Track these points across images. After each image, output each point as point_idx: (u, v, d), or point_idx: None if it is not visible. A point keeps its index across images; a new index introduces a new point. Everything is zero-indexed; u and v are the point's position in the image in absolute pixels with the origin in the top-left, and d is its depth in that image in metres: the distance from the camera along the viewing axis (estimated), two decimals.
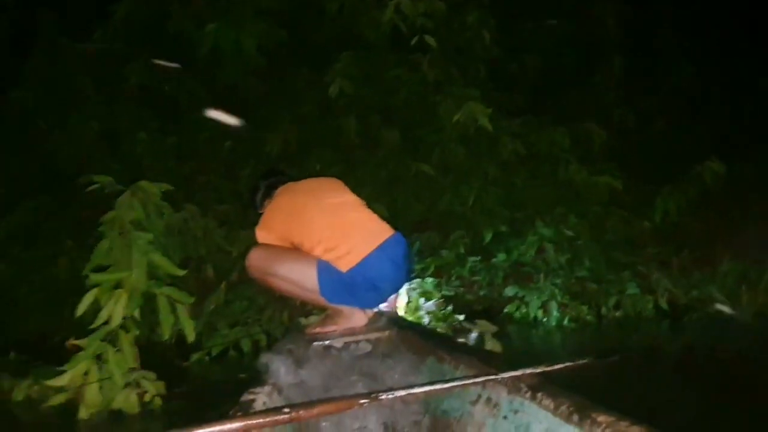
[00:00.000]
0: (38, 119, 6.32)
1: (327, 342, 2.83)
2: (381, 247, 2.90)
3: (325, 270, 2.89)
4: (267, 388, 2.13)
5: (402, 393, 1.78)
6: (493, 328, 4.29)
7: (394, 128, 6.12)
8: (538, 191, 5.79)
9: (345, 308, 2.98)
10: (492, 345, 4.17)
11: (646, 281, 4.97)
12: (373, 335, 2.89)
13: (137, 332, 3.31)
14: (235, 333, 4.48)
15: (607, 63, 6.97)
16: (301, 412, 1.60)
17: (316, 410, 1.65)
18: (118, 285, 3.19)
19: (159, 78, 6.35)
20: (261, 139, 6.11)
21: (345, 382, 2.41)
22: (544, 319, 4.68)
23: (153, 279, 3.35)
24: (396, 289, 3.27)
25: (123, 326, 3.24)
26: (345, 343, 2.84)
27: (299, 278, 2.95)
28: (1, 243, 5.84)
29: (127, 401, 3.19)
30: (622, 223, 5.61)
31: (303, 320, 3.85)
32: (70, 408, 3.28)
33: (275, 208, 3.11)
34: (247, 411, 1.82)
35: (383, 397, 1.75)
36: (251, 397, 2.00)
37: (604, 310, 4.76)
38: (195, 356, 4.30)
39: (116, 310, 3.12)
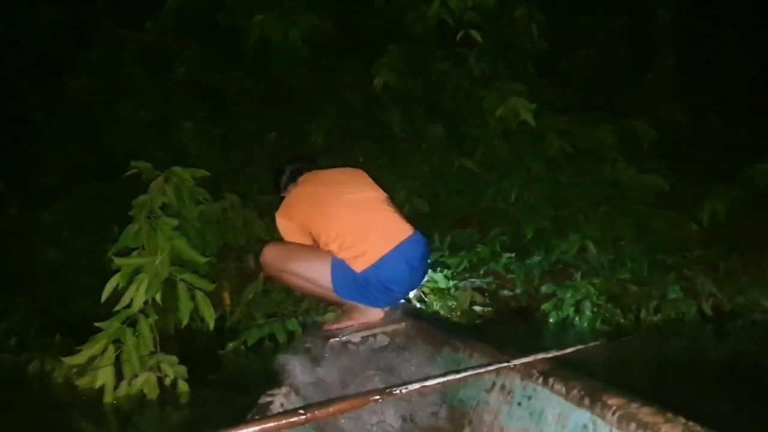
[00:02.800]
0: (92, 108, 6.48)
1: (344, 338, 2.85)
2: (397, 249, 2.89)
3: (340, 268, 2.90)
4: (284, 389, 2.16)
5: (415, 386, 1.79)
6: None
7: (438, 122, 6.09)
8: (582, 189, 5.67)
9: (361, 304, 2.99)
10: None
11: (691, 285, 4.84)
12: (390, 328, 2.91)
13: (156, 317, 3.37)
14: (271, 323, 4.52)
15: (661, 58, 6.78)
16: (316, 412, 1.63)
17: (331, 409, 1.68)
18: (140, 269, 3.26)
19: (208, 69, 6.44)
20: (306, 130, 6.15)
21: (362, 377, 2.43)
22: (576, 319, 4.60)
23: (180, 265, 3.41)
24: (409, 291, 3.27)
25: (143, 311, 3.31)
26: (362, 337, 2.86)
27: (313, 275, 2.98)
28: (53, 228, 6.01)
29: (146, 384, 3.26)
30: (669, 224, 5.46)
31: (319, 318, 3.88)
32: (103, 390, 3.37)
33: (298, 195, 3.13)
34: (264, 413, 1.85)
35: (396, 391, 1.76)
36: (268, 399, 2.03)
37: (643, 313, 4.65)
38: (231, 345, 4.36)
39: (138, 294, 3.18)
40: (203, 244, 4.02)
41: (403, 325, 2.94)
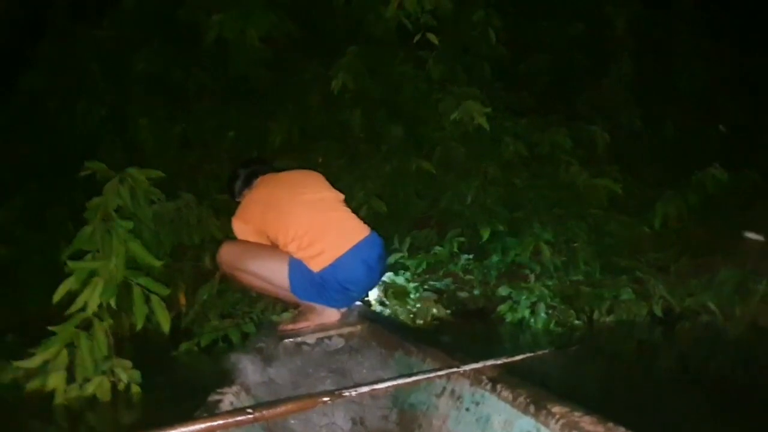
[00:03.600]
0: (47, 104, 6.37)
1: (299, 338, 2.85)
2: (355, 249, 2.91)
3: (297, 268, 2.90)
4: (234, 388, 2.14)
5: (365, 389, 1.80)
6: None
7: (398, 124, 6.11)
8: (537, 192, 5.75)
9: (317, 305, 2.99)
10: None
11: (643, 287, 4.94)
12: (345, 330, 2.92)
13: (111, 321, 3.33)
14: (226, 324, 4.50)
15: (616, 65, 6.90)
16: (264, 411, 1.62)
17: (279, 409, 1.67)
18: (95, 272, 3.22)
19: (167, 66, 6.37)
20: (265, 129, 6.12)
21: (314, 378, 2.44)
22: (532, 321, 4.67)
23: (134, 268, 3.37)
24: (366, 292, 3.29)
25: (97, 314, 3.27)
26: (318, 338, 2.85)
27: (270, 275, 2.97)
28: (5, 225, 5.89)
29: (99, 388, 3.22)
30: (622, 227, 5.56)
31: (275, 317, 3.87)
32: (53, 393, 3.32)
33: (253, 199, 3.12)
34: (212, 411, 1.84)
35: (346, 393, 1.76)
36: (218, 397, 2.01)
37: (596, 314, 4.74)
38: (184, 346, 4.31)
39: (92, 297, 3.14)
40: (158, 245, 3.97)
41: (358, 327, 2.95)
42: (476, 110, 5.30)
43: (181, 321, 4.88)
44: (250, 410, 1.59)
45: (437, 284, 5.08)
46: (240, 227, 3.08)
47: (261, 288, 3.10)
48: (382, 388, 1.84)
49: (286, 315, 3.92)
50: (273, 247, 3.00)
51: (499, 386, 1.75)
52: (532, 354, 1.96)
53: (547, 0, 7.09)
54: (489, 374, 1.83)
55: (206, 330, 4.43)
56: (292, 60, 6.45)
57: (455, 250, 5.34)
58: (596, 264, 5.11)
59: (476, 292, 5.14)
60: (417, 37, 5.36)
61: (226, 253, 3.07)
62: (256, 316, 4.62)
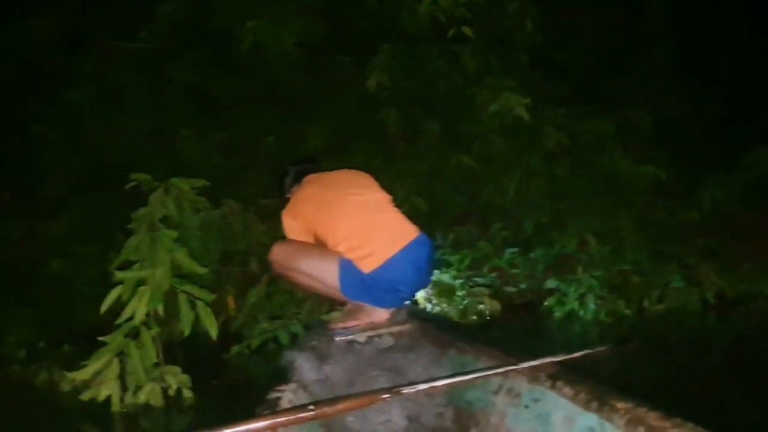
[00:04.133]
0: (91, 118, 6.49)
1: (350, 337, 2.85)
2: (404, 250, 2.89)
3: (347, 269, 2.90)
4: (292, 386, 2.18)
5: (423, 386, 1.81)
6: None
7: (435, 120, 6.09)
8: (581, 181, 5.68)
9: (367, 304, 3.00)
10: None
11: (693, 273, 4.85)
12: (395, 329, 2.91)
13: (159, 329, 3.40)
14: (274, 326, 4.53)
15: (656, 48, 6.78)
16: (325, 408, 1.64)
17: (340, 406, 1.69)
18: (142, 282, 3.28)
19: (204, 75, 6.44)
20: (303, 132, 6.15)
21: (368, 376, 2.43)
22: (581, 312, 4.61)
23: (180, 276, 3.43)
24: (416, 292, 3.28)
25: (145, 322, 3.33)
26: (368, 337, 2.86)
27: (321, 275, 2.98)
28: (57, 238, 6.02)
29: (152, 395, 3.29)
30: (669, 213, 5.47)
31: (325, 316, 3.88)
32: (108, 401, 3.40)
33: (304, 196, 3.13)
34: (273, 409, 1.86)
35: (405, 391, 1.78)
36: (277, 395, 2.04)
37: (646, 303, 4.67)
38: (235, 349, 4.36)
39: (139, 306, 3.20)
40: (205, 252, 4.03)
41: (408, 326, 2.94)
42: (515, 101, 5.26)
43: (231, 325, 4.94)
44: (311, 407, 1.62)
45: (482, 280, 5.05)
46: (289, 223, 3.10)
47: (311, 287, 3.12)
48: (441, 386, 1.84)
49: (334, 314, 3.94)
50: (323, 248, 3.01)
51: (558, 383, 1.74)
52: (590, 351, 1.94)
53: None
54: (547, 371, 1.82)
55: (256, 332, 4.46)
56: (327, 62, 6.47)
57: (500, 243, 5.30)
58: (644, 252, 5.03)
59: (523, 286, 5.10)
60: (451, 32, 5.34)
61: (278, 253, 3.09)
62: (304, 317, 4.64)
